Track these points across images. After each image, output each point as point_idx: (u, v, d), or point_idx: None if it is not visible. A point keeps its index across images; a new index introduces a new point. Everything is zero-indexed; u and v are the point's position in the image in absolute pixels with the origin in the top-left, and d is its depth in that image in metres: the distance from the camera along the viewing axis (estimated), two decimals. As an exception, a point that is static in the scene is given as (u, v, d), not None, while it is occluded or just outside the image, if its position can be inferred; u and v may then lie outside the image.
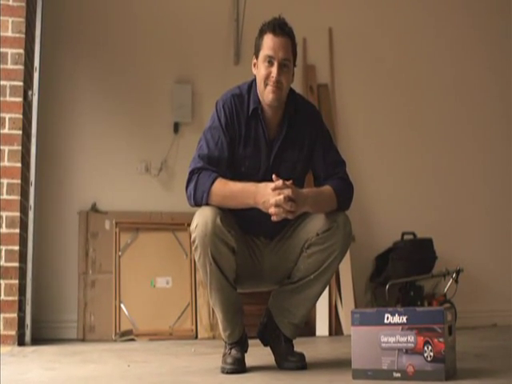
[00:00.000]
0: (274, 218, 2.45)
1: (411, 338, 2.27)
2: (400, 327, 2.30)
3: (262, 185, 2.49)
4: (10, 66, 3.97)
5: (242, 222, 2.65)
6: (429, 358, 2.24)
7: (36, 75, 4.22)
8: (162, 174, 4.89)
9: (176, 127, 4.93)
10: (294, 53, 2.69)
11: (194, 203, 2.57)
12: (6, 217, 3.89)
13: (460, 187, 5.28)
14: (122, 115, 4.89)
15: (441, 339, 2.23)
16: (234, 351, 2.64)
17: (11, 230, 3.89)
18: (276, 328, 2.73)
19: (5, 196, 3.90)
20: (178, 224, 4.71)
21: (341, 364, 2.77)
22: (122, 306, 4.48)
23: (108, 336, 4.41)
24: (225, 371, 2.59)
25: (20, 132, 3.96)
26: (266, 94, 2.61)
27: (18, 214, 3.92)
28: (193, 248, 2.55)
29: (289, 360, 2.67)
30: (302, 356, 2.68)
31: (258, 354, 3.01)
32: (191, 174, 2.58)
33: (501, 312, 5.05)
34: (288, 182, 2.46)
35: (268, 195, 2.44)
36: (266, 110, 2.67)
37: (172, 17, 5.02)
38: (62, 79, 4.80)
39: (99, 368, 2.93)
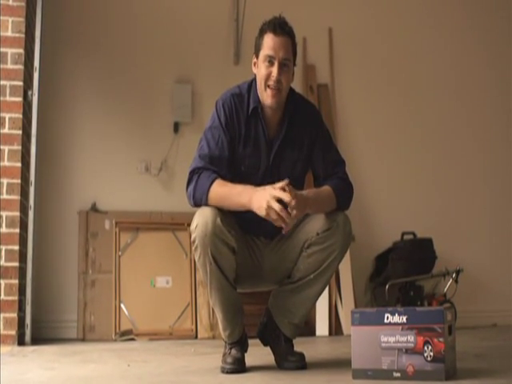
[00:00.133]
0: (282, 226, 2.43)
1: (411, 338, 2.27)
2: (400, 327, 2.30)
3: (260, 189, 2.46)
4: (9, 66, 3.97)
5: (242, 222, 2.65)
6: (429, 358, 2.24)
7: (36, 75, 4.22)
8: (162, 173, 4.89)
9: (176, 127, 4.93)
10: (294, 52, 2.69)
11: (194, 204, 2.57)
12: (6, 216, 3.89)
13: (460, 187, 5.28)
14: (122, 115, 4.89)
15: (441, 339, 2.23)
16: (233, 351, 2.65)
17: (11, 230, 3.89)
18: (276, 328, 2.73)
19: (5, 196, 3.90)
20: (178, 224, 4.71)
21: (341, 364, 2.77)
22: (121, 305, 4.48)
23: (108, 336, 4.41)
24: (225, 371, 2.59)
25: (20, 132, 3.96)
26: (266, 97, 2.61)
27: (17, 213, 3.92)
28: (193, 248, 2.55)
29: (289, 360, 2.67)
30: (301, 356, 2.68)
31: (258, 353, 3.01)
32: (191, 174, 2.58)
33: (501, 312, 5.05)
34: (284, 182, 2.44)
35: (263, 201, 2.41)
36: (266, 110, 2.67)
37: (172, 17, 5.02)
38: (62, 79, 4.80)
39: (99, 368, 2.93)
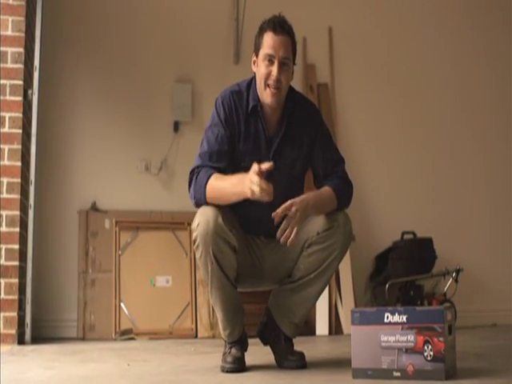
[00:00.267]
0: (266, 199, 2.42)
1: (411, 338, 2.27)
2: (400, 326, 2.30)
3: (247, 174, 2.45)
4: (9, 65, 3.97)
5: (243, 222, 2.66)
6: (429, 358, 2.24)
7: (36, 74, 4.22)
8: (162, 173, 4.89)
9: (176, 126, 4.93)
10: (294, 51, 2.69)
11: (196, 203, 2.57)
12: (6, 216, 3.89)
13: (460, 187, 5.28)
14: (122, 114, 4.89)
15: (441, 338, 2.23)
16: (233, 350, 2.65)
17: (11, 229, 3.89)
18: (276, 327, 2.73)
19: (5, 195, 3.90)
20: (178, 223, 4.71)
21: (341, 363, 2.77)
22: (121, 304, 4.48)
23: (108, 335, 4.41)
24: (225, 370, 2.60)
25: (20, 131, 3.96)
26: (266, 96, 2.62)
27: (17, 212, 3.92)
28: (194, 246, 2.55)
29: (289, 359, 2.67)
30: (301, 355, 2.68)
31: (258, 353, 3.01)
32: (191, 174, 2.59)
33: (501, 312, 5.05)
34: (287, 204, 2.45)
35: (246, 183, 2.41)
36: (266, 108, 2.67)
37: (172, 16, 5.02)
38: (62, 78, 4.79)
39: (99, 367, 2.93)
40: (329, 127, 2.86)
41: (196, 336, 4.49)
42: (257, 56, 2.65)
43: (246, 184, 2.41)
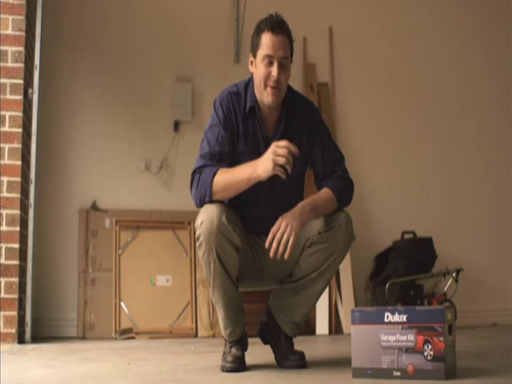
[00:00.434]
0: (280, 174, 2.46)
1: (411, 337, 2.27)
2: (400, 326, 2.30)
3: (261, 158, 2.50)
4: (10, 64, 3.97)
5: (245, 222, 2.66)
6: (429, 357, 2.24)
7: (36, 73, 4.22)
8: (163, 172, 4.89)
9: (176, 125, 4.93)
10: (291, 50, 2.68)
11: (199, 203, 2.56)
12: (6, 215, 3.89)
13: (460, 187, 5.28)
14: (123, 113, 4.89)
15: (441, 338, 2.23)
16: (234, 349, 2.65)
17: (11, 228, 3.89)
18: (276, 326, 2.73)
19: (5, 194, 3.90)
20: (178, 222, 4.71)
21: (341, 363, 2.77)
22: (122, 304, 4.48)
23: (108, 334, 4.41)
24: (225, 369, 2.60)
25: (20, 130, 3.96)
26: (266, 96, 2.61)
27: (18, 212, 3.92)
28: (197, 244, 2.55)
29: (289, 359, 2.68)
30: (301, 355, 2.68)
31: (258, 352, 3.01)
32: (193, 174, 2.59)
33: (501, 311, 5.05)
34: (277, 223, 2.46)
35: (266, 161, 2.45)
36: (264, 108, 2.67)
37: (172, 15, 5.02)
38: (63, 77, 4.80)
39: (99, 366, 2.93)
40: (329, 127, 2.86)
41: (196, 335, 4.50)
42: (254, 56, 2.64)
43: (266, 159, 2.44)
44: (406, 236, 4.88)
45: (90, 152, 4.81)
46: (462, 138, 5.33)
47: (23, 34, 3.99)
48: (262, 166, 2.47)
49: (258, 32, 2.62)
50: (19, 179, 3.93)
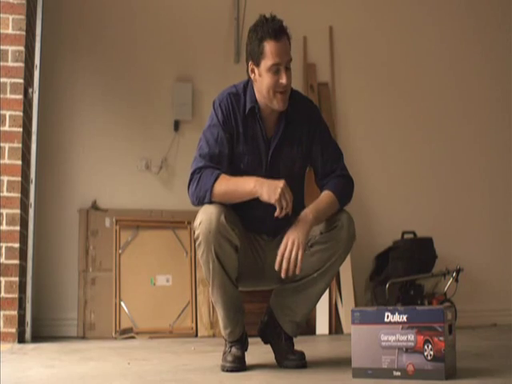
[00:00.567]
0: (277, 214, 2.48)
1: (411, 337, 2.27)
2: (400, 326, 2.30)
3: (266, 180, 2.51)
4: (10, 64, 3.97)
5: (245, 220, 2.66)
6: (429, 357, 2.24)
7: (36, 73, 4.22)
8: (163, 171, 4.89)
9: (176, 125, 4.93)
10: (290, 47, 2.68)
11: (197, 202, 2.57)
12: (7, 214, 3.89)
13: (460, 187, 5.28)
14: (123, 113, 4.89)
15: (441, 338, 2.23)
16: (234, 349, 2.65)
17: (11, 228, 3.89)
18: (277, 326, 2.73)
19: (5, 193, 3.90)
20: (179, 222, 4.71)
21: (341, 363, 2.77)
22: (122, 303, 4.48)
23: (108, 334, 4.41)
24: (225, 369, 2.60)
25: (20, 129, 3.96)
26: (276, 103, 2.60)
27: (18, 211, 3.92)
28: (196, 244, 2.55)
29: (289, 358, 2.68)
30: (302, 354, 2.69)
31: (258, 352, 3.01)
32: (193, 174, 2.58)
33: (501, 311, 5.05)
34: (284, 243, 2.49)
35: (274, 190, 2.46)
36: (263, 109, 2.67)
37: (173, 15, 5.02)
38: (63, 76, 4.79)
39: (99, 366, 2.93)
40: (329, 127, 2.86)
41: (196, 335, 4.50)
42: (257, 65, 2.60)
43: (275, 189, 2.46)
44: (406, 236, 4.87)
45: (91, 151, 4.81)
46: (462, 138, 5.33)
47: (23, 33, 3.99)
48: (267, 191, 2.47)
49: (260, 40, 2.57)
50: (19, 179, 3.93)
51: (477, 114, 5.38)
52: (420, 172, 5.23)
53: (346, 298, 4.62)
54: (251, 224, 2.68)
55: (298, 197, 2.75)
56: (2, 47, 3.96)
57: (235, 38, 5.05)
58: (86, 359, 3.16)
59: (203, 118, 4.73)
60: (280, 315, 2.73)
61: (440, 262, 4.73)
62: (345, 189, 2.67)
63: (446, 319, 2.27)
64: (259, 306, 3.56)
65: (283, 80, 2.57)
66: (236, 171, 2.63)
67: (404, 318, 2.30)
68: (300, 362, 2.66)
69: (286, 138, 2.69)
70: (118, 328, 4.40)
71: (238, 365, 2.60)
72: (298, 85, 4.61)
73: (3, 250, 3.86)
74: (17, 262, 3.88)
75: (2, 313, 3.82)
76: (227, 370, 2.58)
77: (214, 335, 4.45)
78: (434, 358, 2.23)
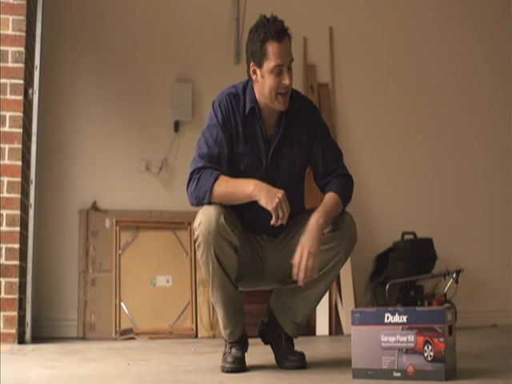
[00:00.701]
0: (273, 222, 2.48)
1: (411, 338, 2.27)
2: (400, 327, 2.30)
3: (267, 185, 2.50)
4: (10, 64, 3.97)
5: (245, 221, 2.65)
6: (429, 358, 2.24)
7: (36, 73, 4.22)
8: (163, 172, 4.89)
9: (176, 126, 4.93)
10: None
11: (196, 203, 2.57)
12: (7, 215, 3.89)
13: (460, 187, 5.28)
14: (123, 114, 4.89)
15: (441, 339, 2.23)
16: (234, 350, 2.65)
17: (11, 228, 3.89)
18: (277, 326, 2.73)
19: (5, 194, 3.90)
20: (179, 223, 4.71)
21: (341, 363, 2.77)
22: (122, 304, 4.48)
23: (108, 334, 4.41)
24: (225, 370, 2.60)
25: (20, 130, 3.96)
26: (278, 104, 2.61)
27: (18, 212, 3.92)
28: (195, 245, 2.55)
29: (289, 359, 2.68)
30: (302, 355, 2.68)
31: (258, 353, 3.01)
32: (192, 174, 2.58)
33: (501, 312, 5.05)
34: (298, 254, 2.49)
35: (272, 198, 2.46)
36: (263, 109, 2.67)
37: (173, 16, 5.02)
38: (63, 77, 4.80)
39: (99, 366, 2.93)
40: (329, 127, 2.86)
41: (196, 336, 4.49)
42: (259, 66, 2.60)
43: (273, 196, 2.45)
44: (406, 237, 4.87)
45: (91, 152, 4.81)
46: (463, 139, 5.33)
47: (23, 34, 3.99)
48: (265, 197, 2.47)
49: (262, 42, 2.57)
50: (19, 179, 3.93)
51: (477, 113, 5.38)
52: (420, 172, 5.24)
53: (346, 299, 4.62)
54: (251, 224, 2.68)
55: (298, 197, 2.76)
56: (2, 48, 3.96)
57: (235, 39, 5.05)
58: (85, 360, 3.16)
59: (203, 119, 4.72)
60: (280, 316, 2.73)
61: (440, 262, 4.73)
62: (347, 188, 2.68)
63: (446, 320, 2.27)
64: (259, 307, 3.56)
65: (286, 81, 2.58)
66: (236, 172, 2.63)
67: (404, 318, 2.30)
68: (300, 363, 2.65)
69: (285, 139, 2.69)
70: (118, 329, 4.40)
71: (238, 366, 2.60)
72: (298, 85, 4.61)
73: (3, 251, 3.86)
74: (17, 262, 3.88)
75: (2, 313, 3.82)
76: (227, 371, 2.58)
77: (213, 336, 4.45)
78: (434, 359, 2.23)
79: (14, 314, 3.83)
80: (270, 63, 2.57)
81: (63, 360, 3.18)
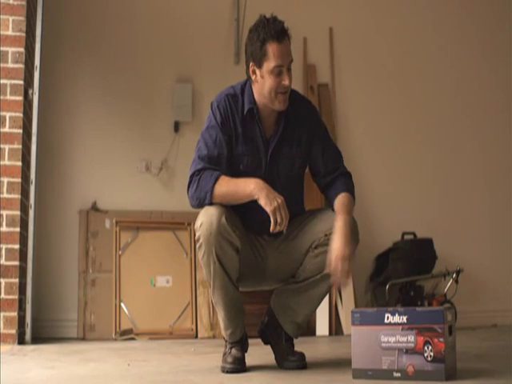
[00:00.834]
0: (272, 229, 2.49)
1: (411, 338, 2.27)
2: (400, 327, 2.30)
3: (268, 187, 2.50)
4: (10, 65, 3.97)
5: (246, 221, 2.65)
6: (429, 358, 2.24)
7: (36, 74, 4.22)
8: (163, 173, 4.89)
9: (176, 126, 4.93)
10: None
11: (197, 204, 2.57)
12: (7, 215, 3.89)
13: (460, 187, 5.28)
14: (123, 114, 4.89)
15: (441, 339, 2.23)
16: (234, 350, 2.65)
17: (11, 229, 3.89)
18: (278, 326, 2.73)
19: (5, 195, 3.90)
20: (179, 223, 4.71)
21: (341, 364, 2.77)
22: (122, 304, 4.48)
23: (108, 335, 4.41)
24: (225, 370, 2.60)
25: (20, 131, 3.96)
26: (278, 104, 2.61)
27: (18, 212, 3.92)
28: (197, 246, 2.55)
29: (289, 359, 2.68)
30: (302, 355, 2.68)
31: (258, 353, 3.01)
32: (192, 176, 2.58)
33: (501, 312, 5.05)
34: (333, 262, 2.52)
35: (271, 201, 2.47)
36: (262, 110, 2.67)
37: (173, 16, 5.02)
38: (63, 78, 4.80)
39: (99, 367, 2.93)
40: (329, 127, 2.87)
41: (196, 336, 4.49)
42: (259, 67, 2.60)
43: (272, 199, 2.46)
44: (406, 237, 4.87)
45: (91, 153, 4.81)
46: (462, 139, 5.33)
47: (23, 34, 3.99)
48: (265, 198, 2.47)
49: (262, 42, 2.57)
50: (19, 180, 3.93)
51: (477, 114, 5.38)
52: (420, 173, 5.23)
53: (346, 299, 4.62)
54: (252, 225, 2.68)
55: (297, 197, 2.77)
56: (2, 48, 3.96)
57: (235, 39, 5.05)
58: (85, 360, 3.16)
59: (203, 119, 4.67)
60: (281, 315, 2.72)
61: (440, 262, 4.73)
62: (352, 186, 2.72)
63: (446, 320, 2.27)
64: (259, 308, 3.56)
65: (286, 81, 2.58)
66: (236, 172, 2.63)
67: (404, 319, 2.30)
68: (300, 363, 2.66)
69: (285, 139, 2.69)
70: (118, 329, 4.40)
71: (238, 366, 2.60)
72: (298, 86, 4.61)
73: (3, 252, 3.86)
74: (17, 263, 3.88)
75: (2, 314, 3.82)
76: (227, 372, 2.58)
77: (213, 336, 4.45)
78: (434, 359, 2.23)
79: (14, 314, 3.83)
80: (269, 64, 2.57)
81: (63, 360, 3.18)
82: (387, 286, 4.55)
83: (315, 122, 2.75)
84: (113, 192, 4.79)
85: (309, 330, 4.43)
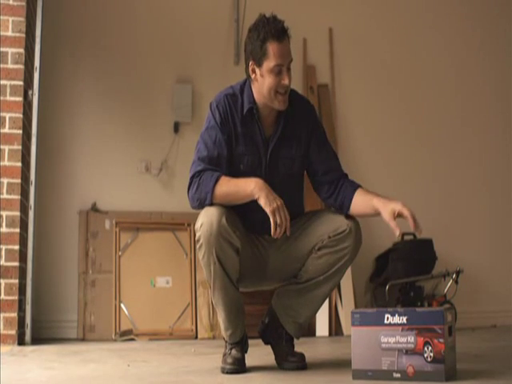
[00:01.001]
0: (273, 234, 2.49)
1: (411, 339, 2.27)
2: (400, 328, 2.30)
3: (268, 188, 2.50)
4: (10, 66, 3.97)
5: (246, 221, 2.65)
6: (429, 359, 2.24)
7: (36, 75, 4.22)
8: (163, 173, 4.89)
9: (176, 127, 4.93)
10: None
11: (198, 205, 2.57)
12: (6, 216, 3.89)
13: (460, 188, 5.28)
14: (123, 115, 4.89)
15: (441, 340, 2.23)
16: (234, 351, 2.64)
17: (11, 230, 3.89)
18: (279, 326, 2.73)
19: (5, 195, 3.90)
20: (178, 224, 4.71)
21: (341, 364, 2.77)
22: (121, 305, 4.48)
23: (108, 336, 4.41)
24: (225, 371, 2.59)
25: (20, 131, 3.96)
26: (277, 103, 2.61)
27: (18, 213, 3.92)
28: (197, 246, 2.55)
29: (289, 360, 2.68)
30: (302, 356, 2.68)
31: (258, 354, 3.01)
32: (192, 177, 2.58)
33: (501, 313, 5.05)
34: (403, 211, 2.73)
35: (271, 202, 2.47)
36: (262, 109, 2.67)
37: (173, 17, 5.02)
38: (63, 79, 4.80)
39: (99, 368, 2.93)
40: (329, 128, 2.88)
41: (196, 337, 4.49)
42: (259, 65, 2.61)
43: (272, 200, 2.47)
44: (406, 237, 4.86)
45: (90, 153, 4.81)
46: (462, 140, 5.33)
47: (23, 35, 3.99)
48: (265, 198, 2.48)
49: (262, 41, 2.57)
50: (19, 181, 3.93)
51: (477, 114, 5.38)
52: (420, 173, 5.23)
53: (345, 300, 4.62)
54: (253, 225, 2.68)
55: (297, 197, 2.77)
56: (2, 49, 3.96)
57: (235, 40, 5.05)
58: (85, 361, 3.16)
59: (203, 120, 4.63)
60: (283, 316, 2.72)
61: (440, 263, 4.73)
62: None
63: (446, 321, 2.26)
64: (259, 308, 3.56)
65: (285, 81, 2.58)
66: (236, 172, 2.63)
67: (404, 319, 2.30)
68: (300, 364, 2.66)
69: (284, 138, 2.69)
70: (117, 330, 4.40)
71: (238, 367, 2.60)
72: (297, 86, 4.60)
73: (3, 252, 3.86)
74: (17, 264, 3.88)
75: (2, 315, 3.82)
76: (227, 372, 2.58)
77: (213, 337, 4.45)
78: (434, 360, 2.23)
79: (14, 315, 3.83)
80: (269, 63, 2.57)
81: (63, 361, 3.18)
82: (387, 287, 4.55)
83: (314, 122, 2.75)
84: (113, 193, 4.79)
85: (309, 330, 4.43)
